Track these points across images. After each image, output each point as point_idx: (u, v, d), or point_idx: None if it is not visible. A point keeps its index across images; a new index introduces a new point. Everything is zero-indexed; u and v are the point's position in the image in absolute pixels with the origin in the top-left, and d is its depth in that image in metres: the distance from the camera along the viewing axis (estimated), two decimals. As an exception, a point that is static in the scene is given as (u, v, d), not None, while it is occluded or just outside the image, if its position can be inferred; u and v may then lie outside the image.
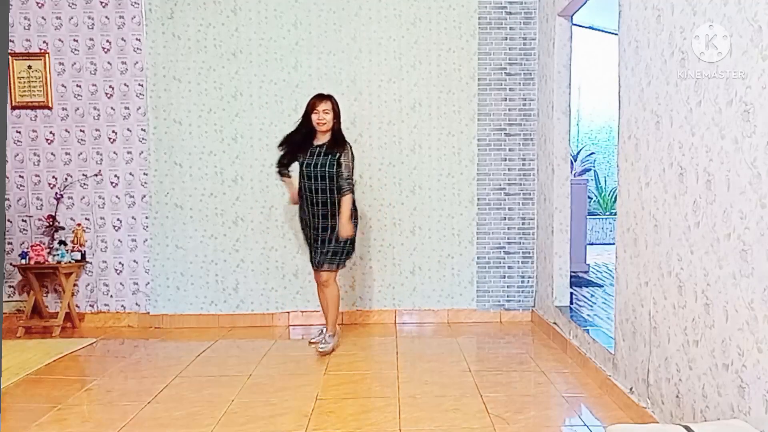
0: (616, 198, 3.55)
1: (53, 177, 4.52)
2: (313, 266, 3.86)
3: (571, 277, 4.24)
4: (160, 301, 4.53)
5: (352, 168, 3.69)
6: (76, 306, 4.53)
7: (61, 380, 3.34)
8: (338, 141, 3.69)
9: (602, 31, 7.86)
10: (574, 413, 2.86)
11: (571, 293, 4.26)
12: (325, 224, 3.71)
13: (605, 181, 9.00)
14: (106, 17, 4.44)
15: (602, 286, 5.23)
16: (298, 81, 4.46)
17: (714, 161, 2.02)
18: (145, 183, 4.50)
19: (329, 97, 3.72)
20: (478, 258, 4.55)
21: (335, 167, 3.64)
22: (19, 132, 4.50)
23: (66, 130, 4.50)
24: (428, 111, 4.49)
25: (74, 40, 4.46)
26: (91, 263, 4.54)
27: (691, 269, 2.18)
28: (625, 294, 2.83)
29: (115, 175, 4.52)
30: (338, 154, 3.65)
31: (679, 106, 2.28)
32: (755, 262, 1.78)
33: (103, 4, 4.44)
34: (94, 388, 3.21)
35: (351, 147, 3.73)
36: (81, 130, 4.50)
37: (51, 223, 4.44)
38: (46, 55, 4.44)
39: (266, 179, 4.48)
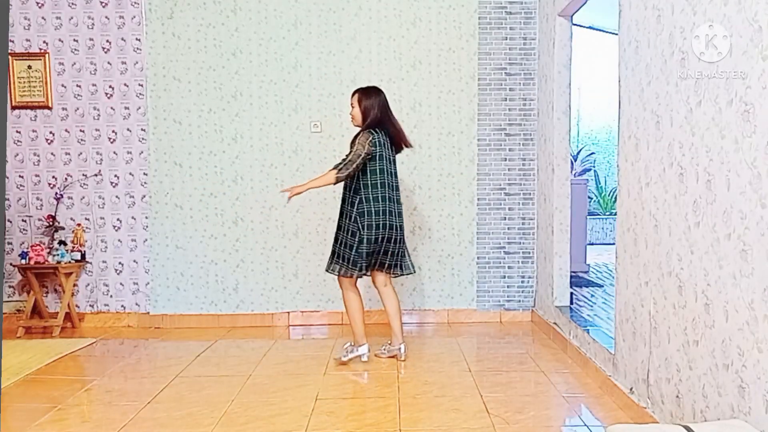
0: (616, 198, 3.56)
1: (53, 177, 4.52)
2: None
3: (571, 277, 4.24)
4: (160, 301, 4.53)
5: (356, 150, 3.36)
6: (76, 306, 4.52)
7: (61, 380, 3.34)
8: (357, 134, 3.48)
9: (602, 31, 7.86)
10: (574, 413, 2.86)
11: (571, 293, 4.26)
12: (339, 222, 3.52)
13: (605, 181, 9.00)
14: (106, 17, 4.44)
15: (602, 286, 5.23)
16: (298, 81, 4.46)
17: (714, 161, 2.02)
18: (145, 183, 4.50)
19: (355, 92, 3.55)
20: (478, 258, 4.55)
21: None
22: (19, 132, 4.50)
23: (66, 130, 4.50)
24: (428, 111, 4.49)
25: (74, 40, 4.46)
26: (91, 263, 4.54)
27: (691, 269, 2.18)
28: (625, 294, 2.83)
29: (115, 175, 4.52)
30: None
31: (679, 106, 2.28)
32: (755, 262, 1.78)
33: (103, 4, 4.44)
34: (94, 388, 3.21)
35: (369, 133, 3.40)
36: (81, 130, 4.50)
37: (51, 223, 4.44)
38: (46, 55, 4.44)
39: (266, 179, 4.48)
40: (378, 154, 3.39)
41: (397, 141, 3.55)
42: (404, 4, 4.45)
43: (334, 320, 4.52)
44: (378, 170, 3.41)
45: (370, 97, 3.48)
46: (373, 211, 3.40)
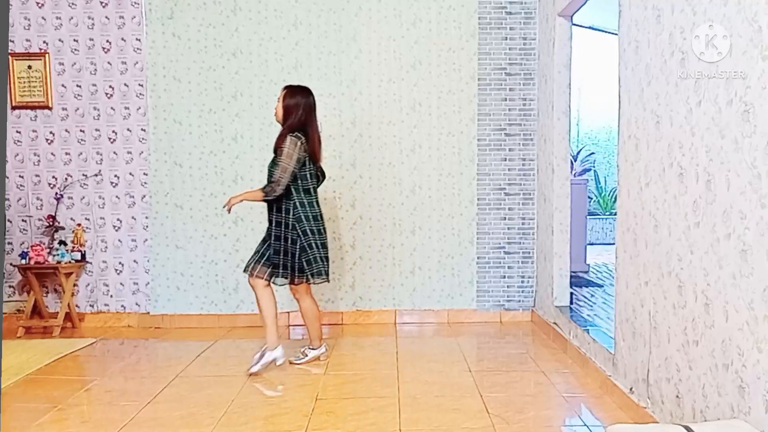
0: (616, 198, 3.55)
1: (53, 177, 4.52)
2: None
3: (571, 277, 4.24)
4: (160, 301, 4.53)
5: (282, 166, 3.26)
6: (76, 306, 4.52)
7: (61, 380, 3.34)
8: (279, 136, 3.34)
9: (602, 31, 7.86)
10: (574, 413, 2.86)
11: (571, 293, 4.26)
12: (268, 229, 3.45)
13: (605, 181, 8.99)
14: (106, 17, 4.44)
15: (602, 286, 5.23)
16: (298, 81, 4.43)
17: (714, 161, 2.02)
18: (145, 183, 4.50)
19: (284, 88, 3.45)
20: (478, 258, 4.55)
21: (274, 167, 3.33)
22: (19, 132, 4.50)
23: (66, 130, 4.50)
24: (428, 111, 4.49)
25: (74, 40, 4.46)
26: (91, 263, 4.54)
27: (691, 269, 2.18)
28: (625, 294, 2.83)
29: (115, 175, 4.52)
30: (276, 153, 3.32)
31: (679, 106, 2.28)
32: (755, 262, 1.78)
33: (103, 4, 4.44)
34: (94, 388, 3.21)
35: (296, 138, 3.28)
36: (81, 130, 4.50)
37: (51, 223, 4.44)
38: (46, 55, 4.44)
39: (266, 179, 4.47)
40: (307, 158, 3.34)
41: (311, 151, 3.37)
42: (404, 5, 4.45)
43: (334, 320, 4.52)
44: (308, 175, 3.37)
45: (295, 96, 3.37)
46: (311, 216, 3.40)
